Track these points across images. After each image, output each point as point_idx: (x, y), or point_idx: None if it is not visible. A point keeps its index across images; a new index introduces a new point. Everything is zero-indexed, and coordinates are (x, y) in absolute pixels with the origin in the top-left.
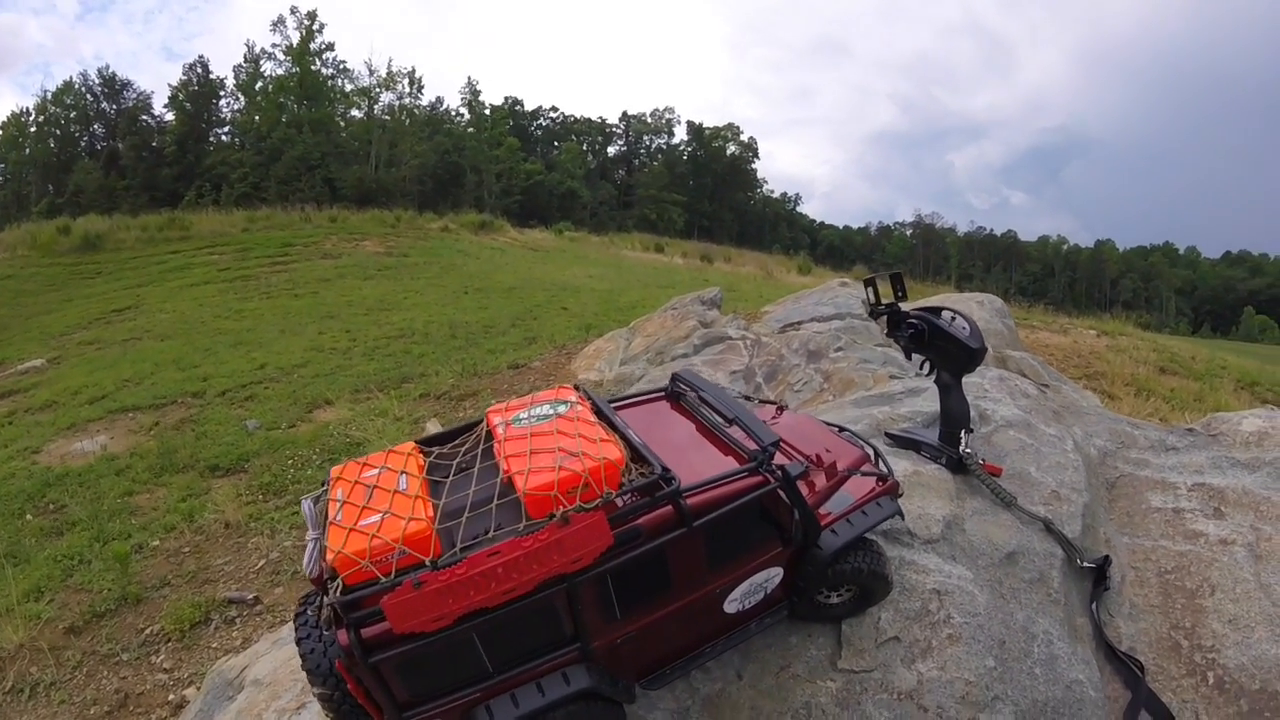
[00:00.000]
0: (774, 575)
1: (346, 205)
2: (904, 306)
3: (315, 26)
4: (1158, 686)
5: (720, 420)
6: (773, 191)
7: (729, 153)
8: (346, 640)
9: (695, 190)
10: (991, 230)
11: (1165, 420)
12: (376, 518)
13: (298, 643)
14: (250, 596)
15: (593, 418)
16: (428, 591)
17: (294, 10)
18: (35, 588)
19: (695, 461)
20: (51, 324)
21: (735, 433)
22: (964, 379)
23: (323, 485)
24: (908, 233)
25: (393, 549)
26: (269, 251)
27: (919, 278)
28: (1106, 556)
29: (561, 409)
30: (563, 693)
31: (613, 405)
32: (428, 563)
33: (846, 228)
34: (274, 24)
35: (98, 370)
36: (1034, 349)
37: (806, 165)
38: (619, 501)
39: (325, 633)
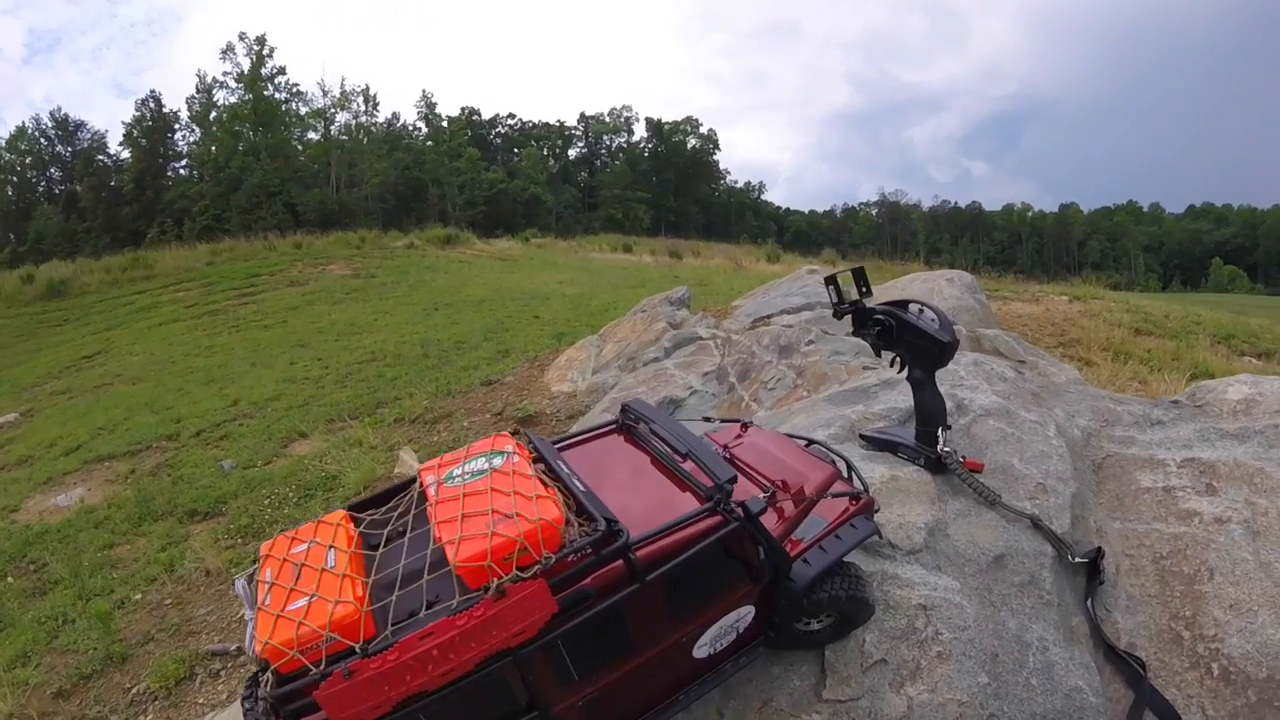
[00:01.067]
0: (745, 614)
1: (310, 230)
2: (869, 302)
3: (265, 51)
4: (1160, 683)
5: (673, 454)
6: (736, 182)
7: (690, 146)
8: None
9: (659, 187)
10: (956, 203)
11: (1145, 383)
12: (304, 601)
13: None
14: (233, 647)
15: (529, 469)
16: (360, 680)
17: (243, 36)
18: (21, 653)
19: (650, 504)
20: (22, 376)
21: (691, 467)
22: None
23: (254, 563)
24: (873, 212)
25: (321, 636)
26: (235, 283)
27: (887, 256)
28: (1099, 549)
29: (497, 461)
30: None
31: (560, 446)
32: (357, 649)
33: (812, 212)
34: (223, 52)
35: (71, 420)
36: (1008, 321)
37: (767, 152)
38: (571, 558)
39: None
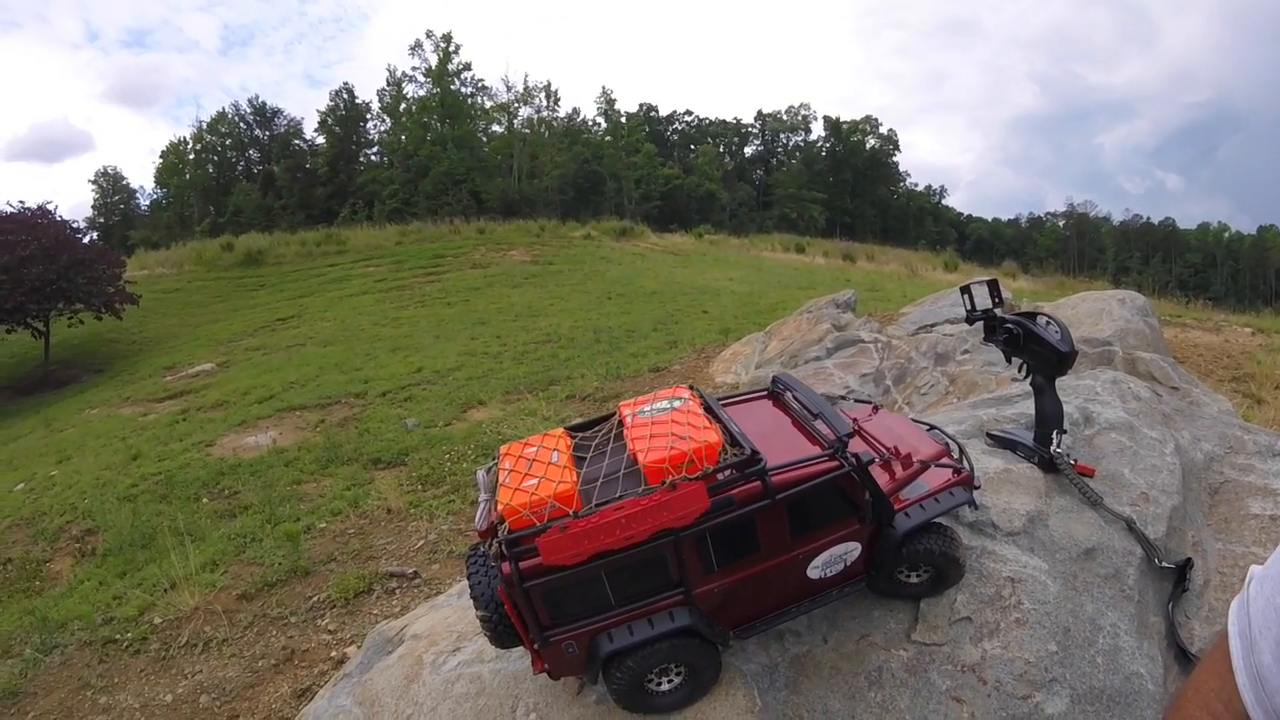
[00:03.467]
0: (852, 549)
1: (493, 217)
2: (999, 312)
3: (451, 48)
4: None
5: (808, 415)
6: (916, 184)
7: (868, 146)
8: (508, 570)
9: (835, 187)
10: (1148, 218)
11: None
12: (535, 481)
13: (468, 576)
14: (410, 571)
15: (700, 410)
16: (570, 534)
17: (430, 34)
18: (210, 561)
19: (784, 448)
20: (219, 332)
21: (820, 426)
22: (1077, 382)
23: (493, 459)
24: (1060, 223)
25: (546, 503)
26: (421, 263)
27: (1072, 271)
28: (1189, 559)
29: (677, 404)
30: (667, 627)
31: (720, 402)
32: (571, 513)
33: (995, 220)
34: (412, 48)
35: (265, 373)
36: (1181, 349)
37: (947, 154)
38: (718, 476)
39: (491, 566)
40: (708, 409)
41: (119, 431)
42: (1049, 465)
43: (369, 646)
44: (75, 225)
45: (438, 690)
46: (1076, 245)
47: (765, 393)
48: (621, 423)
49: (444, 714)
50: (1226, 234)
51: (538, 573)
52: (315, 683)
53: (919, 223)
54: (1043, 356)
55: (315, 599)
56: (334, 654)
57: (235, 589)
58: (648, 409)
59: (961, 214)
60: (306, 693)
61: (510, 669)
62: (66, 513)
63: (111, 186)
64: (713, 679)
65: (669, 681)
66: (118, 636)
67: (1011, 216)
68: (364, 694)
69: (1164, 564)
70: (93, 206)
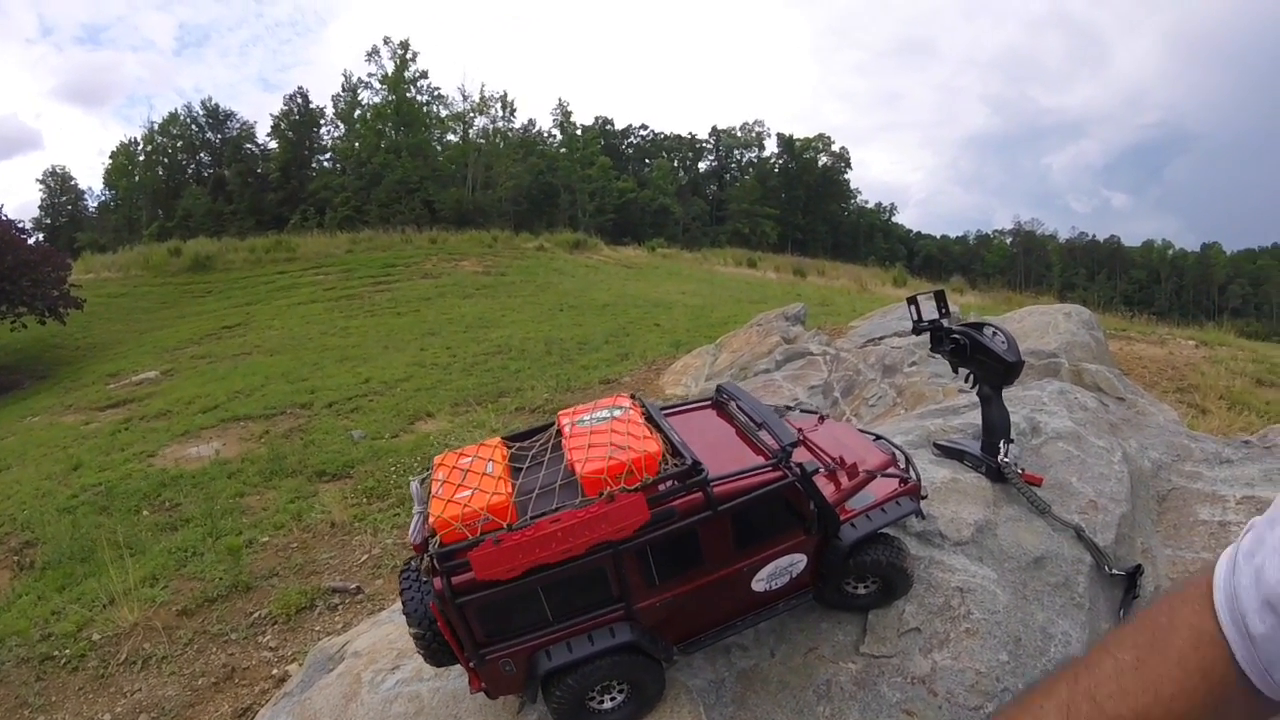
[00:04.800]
0: (798, 561)
1: (445, 226)
2: (946, 322)
3: (408, 55)
4: None
5: (752, 424)
6: (867, 202)
7: (821, 164)
8: (440, 585)
9: (788, 203)
10: (1094, 236)
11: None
12: (468, 492)
13: (401, 592)
14: (353, 586)
15: (641, 420)
16: (504, 547)
17: (387, 40)
18: (150, 575)
19: (727, 457)
20: (164, 339)
21: (764, 435)
22: (1024, 392)
23: (426, 470)
24: (1008, 241)
25: (479, 515)
26: (372, 272)
27: (1019, 287)
28: (1138, 566)
29: (617, 413)
30: (608, 643)
31: (664, 411)
32: (505, 526)
33: (944, 237)
34: (369, 54)
35: (210, 382)
36: (1127, 362)
37: (899, 172)
38: (658, 486)
39: (424, 581)
40: (649, 418)
41: (60, 440)
42: (997, 474)
43: (310, 664)
44: (21, 226)
45: (375, 710)
46: (1023, 262)
47: (709, 402)
48: (560, 432)
49: None
50: (1171, 251)
51: (471, 588)
52: (256, 701)
53: (869, 239)
54: (989, 367)
55: (256, 615)
56: (275, 672)
57: (175, 604)
58: (587, 418)
59: (911, 231)
60: (247, 712)
61: (449, 688)
62: (5, 524)
63: (60, 187)
64: (657, 695)
65: (611, 699)
66: (55, 653)
67: (960, 234)
68: (303, 713)
69: (1114, 571)
70: (40, 207)
